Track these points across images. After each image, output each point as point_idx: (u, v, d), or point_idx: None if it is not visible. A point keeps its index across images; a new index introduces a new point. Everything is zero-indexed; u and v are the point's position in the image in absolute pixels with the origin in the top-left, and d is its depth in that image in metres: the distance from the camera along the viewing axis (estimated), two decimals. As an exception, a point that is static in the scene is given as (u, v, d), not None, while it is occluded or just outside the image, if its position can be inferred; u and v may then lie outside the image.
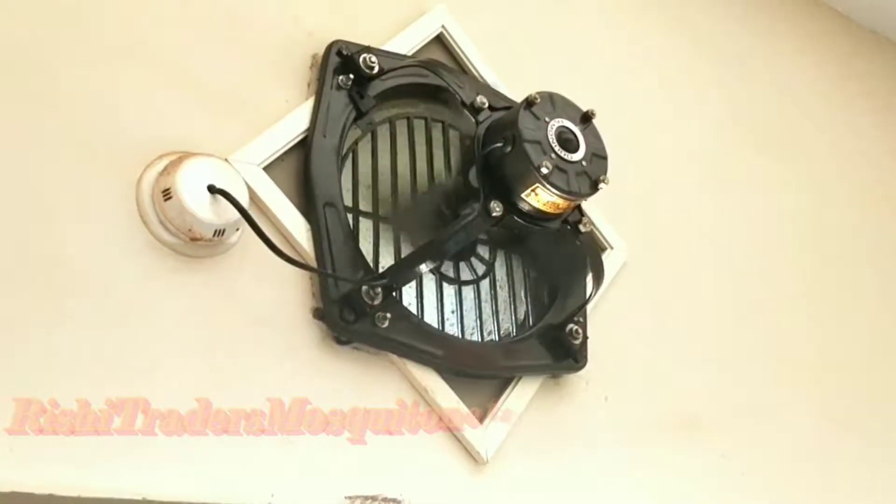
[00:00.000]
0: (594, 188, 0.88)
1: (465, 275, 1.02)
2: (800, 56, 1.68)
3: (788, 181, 1.52)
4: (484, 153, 0.88)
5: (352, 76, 0.96)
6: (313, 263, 0.88)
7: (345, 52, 0.96)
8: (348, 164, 0.97)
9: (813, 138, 1.62)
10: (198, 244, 0.81)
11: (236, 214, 0.79)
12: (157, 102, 0.86)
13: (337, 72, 0.96)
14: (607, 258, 1.15)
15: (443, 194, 1.01)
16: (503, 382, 1.00)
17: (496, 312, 1.03)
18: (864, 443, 1.36)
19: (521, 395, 1.00)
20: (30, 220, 0.76)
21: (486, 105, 0.97)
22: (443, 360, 0.93)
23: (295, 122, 0.92)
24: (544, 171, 0.84)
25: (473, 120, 0.97)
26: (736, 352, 1.29)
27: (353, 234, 0.92)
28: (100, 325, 0.76)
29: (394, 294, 0.90)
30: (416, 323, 0.92)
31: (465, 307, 1.01)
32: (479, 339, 1.00)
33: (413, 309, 0.95)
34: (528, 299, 1.07)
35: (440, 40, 1.11)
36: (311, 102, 0.94)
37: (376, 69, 0.97)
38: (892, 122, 1.78)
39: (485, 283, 1.03)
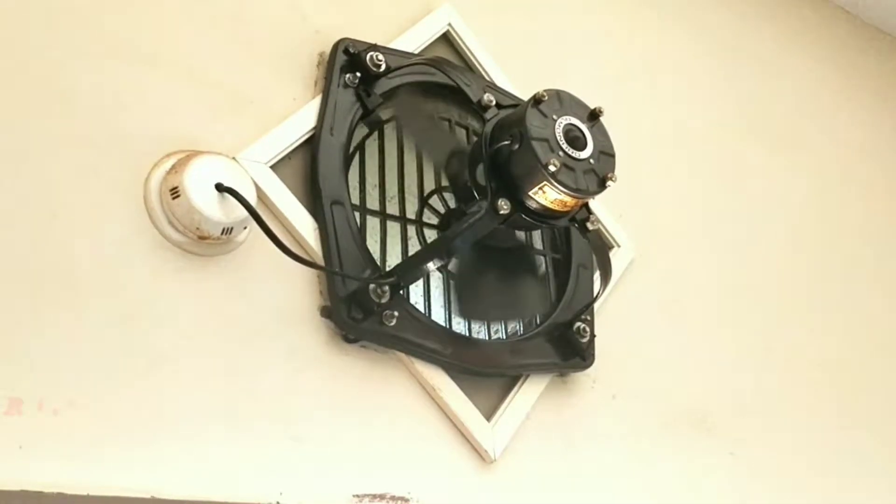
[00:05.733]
0: (602, 186, 0.87)
1: (473, 273, 1.02)
2: (806, 54, 1.68)
3: (795, 179, 1.52)
4: (491, 151, 0.88)
5: (359, 74, 0.96)
6: (321, 262, 0.88)
7: (352, 50, 0.96)
8: (355, 162, 0.97)
9: (820, 136, 1.62)
10: (206, 243, 0.81)
11: (244, 213, 0.79)
12: (165, 101, 0.86)
13: (344, 70, 0.96)
14: (614, 256, 1.15)
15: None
16: (510, 381, 1.00)
17: (503, 311, 1.03)
18: (873, 440, 1.36)
19: (529, 393, 1.00)
20: (38, 218, 0.76)
21: (494, 103, 0.97)
22: (450, 358, 0.93)
23: (302, 120, 0.92)
24: (552, 168, 0.83)
25: (480, 118, 0.97)
26: (744, 350, 1.28)
27: (361, 233, 0.92)
28: (108, 323, 0.76)
29: (401, 292, 0.90)
30: (423, 321, 0.92)
31: (472, 305, 1.00)
32: (487, 338, 1.00)
33: (420, 307, 0.95)
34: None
35: (447, 38, 1.11)
36: (318, 100, 0.94)
37: (383, 67, 0.97)
38: (899, 119, 1.78)
39: (492, 282, 1.03)
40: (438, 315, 0.96)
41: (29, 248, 0.74)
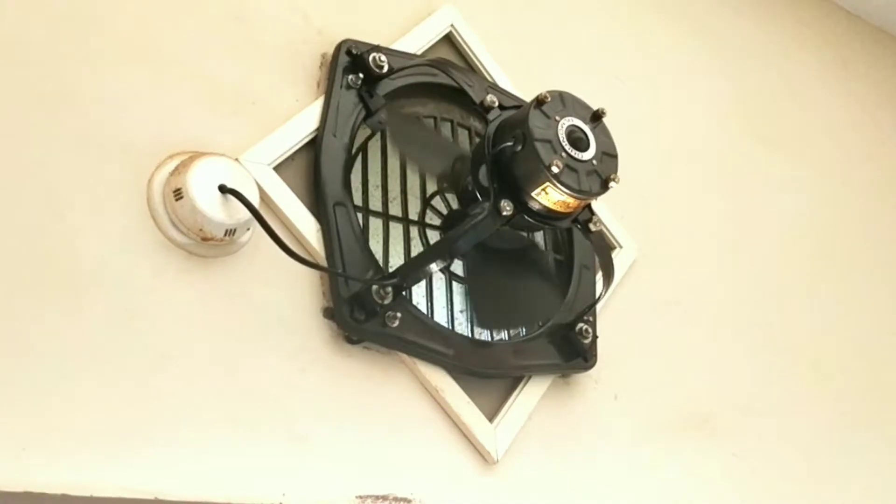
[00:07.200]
0: (605, 187, 0.87)
1: (475, 274, 1.02)
2: (807, 53, 1.68)
3: (796, 178, 1.52)
4: (494, 152, 0.88)
5: (361, 75, 0.96)
6: (324, 263, 0.88)
7: (354, 52, 0.96)
8: (358, 163, 0.97)
9: (820, 135, 1.62)
10: (209, 244, 0.81)
11: (247, 214, 0.79)
12: (168, 102, 0.86)
13: (346, 71, 0.96)
14: (617, 257, 1.15)
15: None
16: (513, 382, 1.00)
17: (506, 311, 1.03)
18: (875, 441, 1.36)
19: (531, 394, 1.00)
20: (41, 219, 0.76)
21: (496, 104, 0.97)
22: (453, 359, 0.93)
23: (305, 121, 0.92)
24: (555, 169, 0.83)
25: (483, 119, 0.97)
26: (746, 350, 1.28)
27: (363, 234, 0.92)
28: (111, 324, 0.76)
29: (404, 293, 0.90)
30: (426, 322, 0.92)
31: (474, 306, 1.00)
32: (489, 339, 1.00)
33: (423, 308, 0.95)
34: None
35: (449, 39, 1.11)
36: (320, 102, 0.94)
37: (386, 68, 0.97)
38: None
39: (494, 283, 1.03)
40: (441, 316, 0.96)
41: (32, 248, 0.74)
